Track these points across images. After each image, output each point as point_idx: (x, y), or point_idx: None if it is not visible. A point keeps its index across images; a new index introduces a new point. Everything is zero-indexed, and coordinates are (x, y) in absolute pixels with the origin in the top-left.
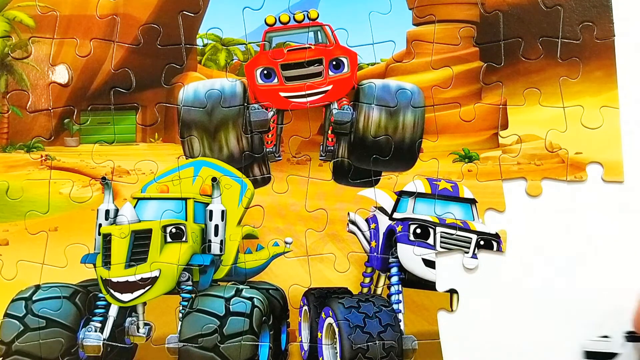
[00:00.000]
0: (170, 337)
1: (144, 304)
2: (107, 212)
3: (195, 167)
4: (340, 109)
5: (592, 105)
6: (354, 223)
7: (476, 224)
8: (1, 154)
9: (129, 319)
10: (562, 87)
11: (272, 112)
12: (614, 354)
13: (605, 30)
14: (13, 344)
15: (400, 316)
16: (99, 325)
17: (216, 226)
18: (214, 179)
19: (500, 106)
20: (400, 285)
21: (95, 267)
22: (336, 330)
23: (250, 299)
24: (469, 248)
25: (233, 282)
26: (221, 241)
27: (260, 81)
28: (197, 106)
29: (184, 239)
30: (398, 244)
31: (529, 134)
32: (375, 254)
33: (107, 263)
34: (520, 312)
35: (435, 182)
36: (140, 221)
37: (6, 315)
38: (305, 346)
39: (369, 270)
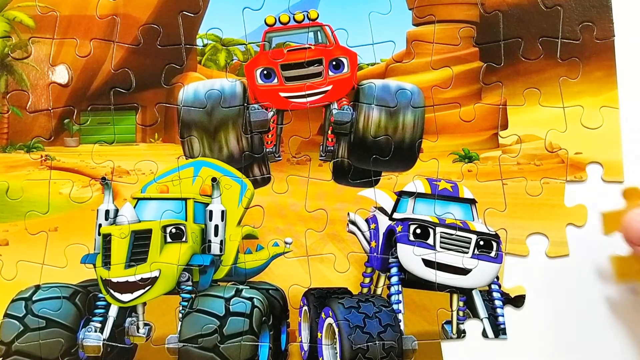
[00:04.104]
0: (170, 337)
1: (144, 304)
2: (107, 212)
3: (195, 167)
4: (340, 109)
5: (592, 105)
6: (354, 223)
7: (476, 224)
8: (1, 154)
9: (129, 319)
10: (562, 87)
11: (272, 112)
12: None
13: (605, 30)
14: (13, 344)
15: (400, 316)
16: (99, 325)
17: (216, 226)
18: (214, 179)
19: (500, 106)
20: (400, 286)
21: (95, 267)
22: (336, 330)
23: (250, 299)
24: (468, 248)
25: (233, 282)
26: (221, 241)
27: (260, 81)
28: (197, 106)
29: (184, 239)
30: (398, 244)
31: (529, 134)
32: (375, 254)
33: (107, 263)
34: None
35: (435, 182)
36: (140, 221)
37: (6, 315)
38: (305, 346)
39: (369, 270)
